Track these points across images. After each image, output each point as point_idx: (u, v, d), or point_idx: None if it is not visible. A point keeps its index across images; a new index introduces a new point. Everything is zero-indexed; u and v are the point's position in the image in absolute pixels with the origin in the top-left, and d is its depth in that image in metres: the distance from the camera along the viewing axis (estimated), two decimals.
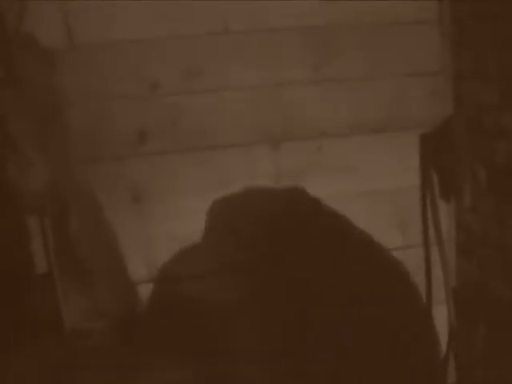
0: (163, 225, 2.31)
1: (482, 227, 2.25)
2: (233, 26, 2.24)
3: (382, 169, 2.39)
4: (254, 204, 2.34)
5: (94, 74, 2.18)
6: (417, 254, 2.45)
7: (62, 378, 2.11)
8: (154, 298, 2.32)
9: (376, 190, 2.42)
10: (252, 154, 2.32)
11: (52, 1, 2.13)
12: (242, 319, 2.35)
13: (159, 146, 2.26)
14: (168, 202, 2.29)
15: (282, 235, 2.35)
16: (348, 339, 2.36)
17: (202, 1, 2.20)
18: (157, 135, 2.25)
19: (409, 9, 2.31)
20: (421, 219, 2.39)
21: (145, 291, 2.32)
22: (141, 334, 2.27)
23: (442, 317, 2.44)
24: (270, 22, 2.26)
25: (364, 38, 2.31)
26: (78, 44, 2.16)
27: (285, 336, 2.35)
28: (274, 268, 2.34)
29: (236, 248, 2.34)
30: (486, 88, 2.13)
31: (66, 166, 2.12)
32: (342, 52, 2.31)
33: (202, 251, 2.33)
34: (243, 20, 2.25)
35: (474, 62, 2.20)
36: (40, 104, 2.07)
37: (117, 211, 2.25)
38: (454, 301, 2.32)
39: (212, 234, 2.32)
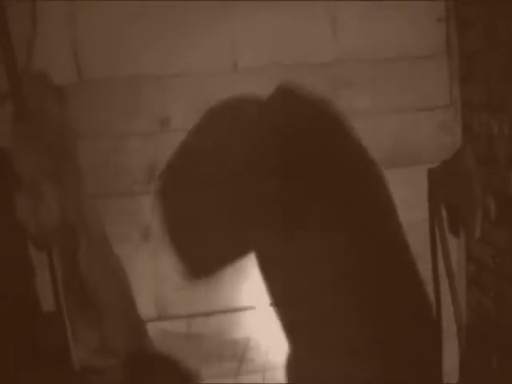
0: (172, 261, 2.31)
1: (493, 258, 2.25)
2: (242, 63, 2.26)
3: None
4: None
5: (103, 109, 2.19)
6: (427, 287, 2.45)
7: None
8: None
9: None
10: (263, 186, 2.32)
11: (62, 37, 2.15)
12: None
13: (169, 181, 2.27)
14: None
15: None
16: None
17: (212, 38, 2.23)
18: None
19: (417, 44, 2.33)
20: (430, 253, 2.39)
21: (153, 329, 2.31)
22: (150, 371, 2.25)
23: (453, 350, 2.43)
24: (279, 57, 2.29)
25: (372, 73, 2.33)
26: (88, 80, 2.18)
27: None
28: None
29: None
30: (496, 119, 2.14)
31: (77, 200, 2.11)
32: (352, 86, 2.33)
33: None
34: (252, 56, 2.27)
35: (484, 93, 2.22)
36: (51, 139, 2.07)
37: (126, 248, 2.25)
38: (466, 333, 2.30)
39: None
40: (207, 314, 2.35)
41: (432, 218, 2.31)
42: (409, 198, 2.39)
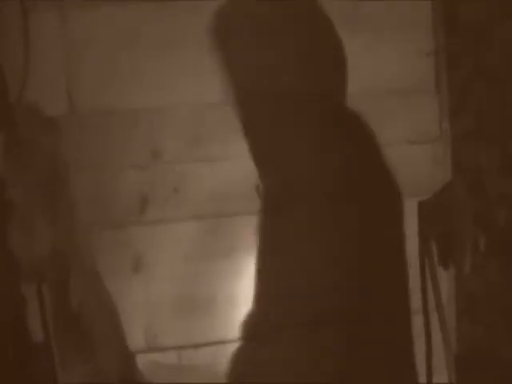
0: (164, 294, 2.30)
1: (484, 290, 2.26)
2: None
3: None
4: None
5: (96, 141, 2.20)
6: (416, 321, 2.44)
7: None
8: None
9: None
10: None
11: (56, 69, 2.17)
12: None
13: (161, 214, 2.27)
14: (170, 271, 2.30)
15: None
16: None
17: (204, 70, 2.25)
18: (158, 203, 2.26)
19: (407, 77, 2.36)
20: (420, 287, 2.40)
21: (144, 360, 2.30)
22: None
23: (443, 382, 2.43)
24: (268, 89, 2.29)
25: (363, 106, 2.34)
26: (80, 112, 2.19)
27: None
28: None
29: None
30: (486, 152, 2.17)
31: (69, 232, 2.11)
32: None
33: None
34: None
35: (473, 126, 2.25)
36: (43, 169, 2.07)
37: (117, 279, 2.24)
38: (456, 365, 2.30)
39: None
40: (200, 346, 2.34)
41: (422, 250, 2.32)
42: None
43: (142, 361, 2.30)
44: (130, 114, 2.22)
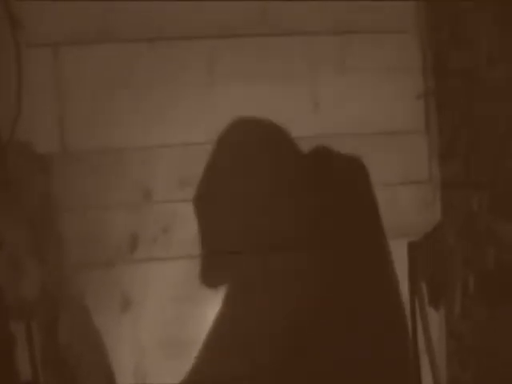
0: (153, 334, 2.29)
1: (473, 333, 2.25)
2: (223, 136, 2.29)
3: None
4: None
5: (86, 180, 2.20)
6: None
7: None
8: None
9: None
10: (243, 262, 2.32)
11: (47, 107, 2.17)
12: None
13: (150, 254, 2.26)
14: (159, 311, 2.29)
15: None
16: None
17: (192, 111, 2.26)
18: (148, 242, 2.26)
19: (397, 119, 2.37)
20: (411, 327, 2.39)
21: None
22: None
23: None
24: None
25: (352, 147, 2.35)
26: (72, 150, 2.19)
27: None
28: None
29: None
30: (475, 194, 2.18)
31: (59, 271, 2.10)
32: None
33: None
34: (233, 129, 2.29)
35: (462, 169, 2.26)
36: (34, 208, 2.07)
37: (106, 318, 2.23)
38: None
39: None
40: None
41: (412, 292, 2.31)
42: None
43: None
44: (121, 154, 2.22)
